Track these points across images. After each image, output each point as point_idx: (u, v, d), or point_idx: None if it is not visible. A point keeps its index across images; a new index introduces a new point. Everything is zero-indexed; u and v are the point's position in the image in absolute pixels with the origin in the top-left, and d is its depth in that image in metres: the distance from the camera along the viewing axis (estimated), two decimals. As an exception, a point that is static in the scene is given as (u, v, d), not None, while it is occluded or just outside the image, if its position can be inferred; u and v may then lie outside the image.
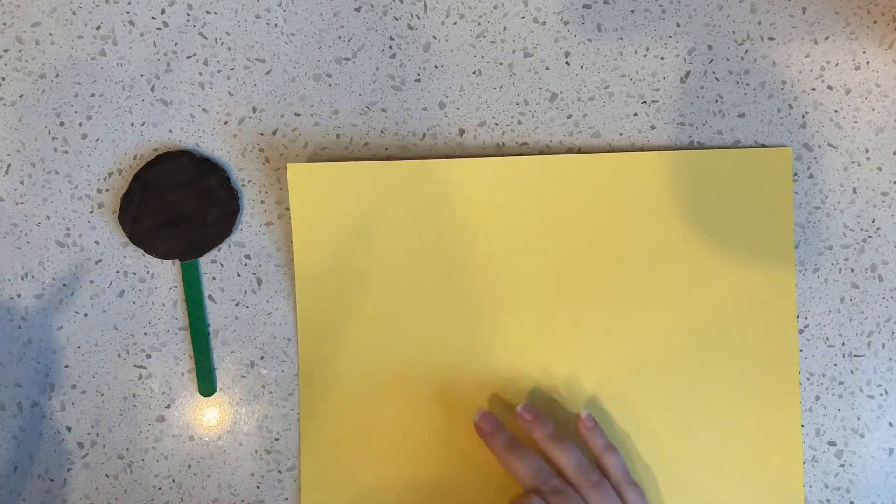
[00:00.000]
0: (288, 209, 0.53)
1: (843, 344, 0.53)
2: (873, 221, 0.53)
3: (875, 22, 0.53)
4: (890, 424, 0.53)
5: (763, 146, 0.53)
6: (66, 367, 0.53)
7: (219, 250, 0.53)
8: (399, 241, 0.52)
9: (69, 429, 0.53)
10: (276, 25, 0.53)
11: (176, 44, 0.53)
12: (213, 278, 0.53)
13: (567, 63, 0.53)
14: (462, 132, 0.53)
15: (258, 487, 0.52)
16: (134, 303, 0.53)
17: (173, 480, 0.53)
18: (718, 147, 0.52)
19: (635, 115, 0.53)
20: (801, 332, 0.53)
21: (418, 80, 0.53)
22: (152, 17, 0.53)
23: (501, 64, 0.53)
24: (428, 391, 0.52)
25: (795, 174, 0.53)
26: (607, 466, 0.48)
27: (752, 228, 0.52)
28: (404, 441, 0.52)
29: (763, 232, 0.52)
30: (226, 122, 0.53)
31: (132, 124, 0.53)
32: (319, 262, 0.52)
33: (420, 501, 0.52)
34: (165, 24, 0.53)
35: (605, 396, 0.52)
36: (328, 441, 0.52)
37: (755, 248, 0.52)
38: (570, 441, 0.49)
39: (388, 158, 0.53)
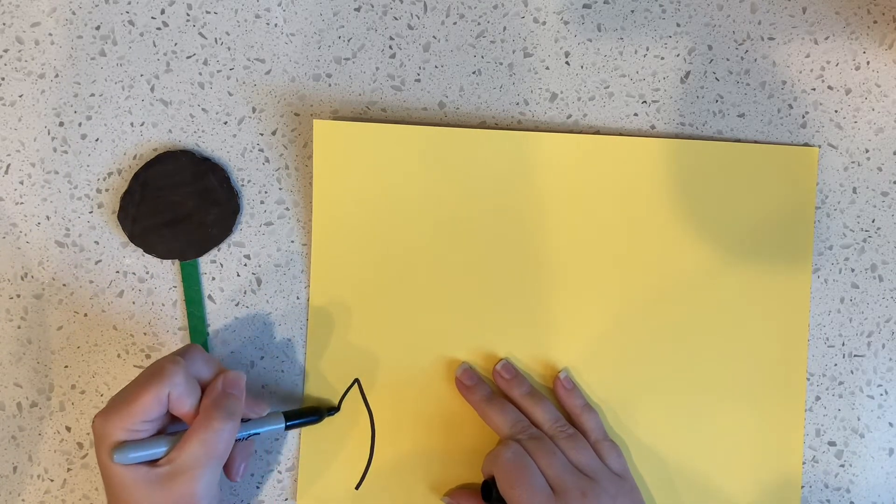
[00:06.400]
0: (289, 209, 0.53)
1: (843, 344, 0.53)
2: (873, 221, 0.53)
3: (875, 22, 0.53)
4: (890, 424, 0.53)
5: (791, 144, 0.53)
6: (66, 367, 0.53)
7: (218, 250, 0.53)
8: (416, 206, 0.52)
9: (69, 429, 0.53)
10: (276, 25, 0.53)
11: (176, 44, 0.53)
12: (213, 278, 0.53)
13: (567, 63, 0.53)
14: (462, 132, 0.53)
15: (258, 487, 0.52)
16: (133, 303, 0.53)
17: (173, 480, 0.53)
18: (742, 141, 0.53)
19: (635, 115, 0.53)
20: (801, 332, 0.53)
21: (418, 80, 0.53)
22: (152, 17, 0.53)
23: (501, 64, 0.53)
24: (432, 383, 0.52)
25: (795, 174, 0.53)
26: (585, 425, 0.50)
27: (772, 226, 0.52)
28: (405, 445, 0.52)
29: (783, 230, 0.52)
30: (226, 122, 0.53)
31: (132, 124, 0.53)
32: (337, 223, 0.51)
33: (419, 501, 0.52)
34: (165, 24, 0.53)
35: (606, 388, 0.52)
36: (328, 441, 0.52)
37: (774, 247, 0.52)
38: (546, 398, 0.51)
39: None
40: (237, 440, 0.47)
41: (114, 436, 0.43)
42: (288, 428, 0.49)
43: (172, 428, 0.46)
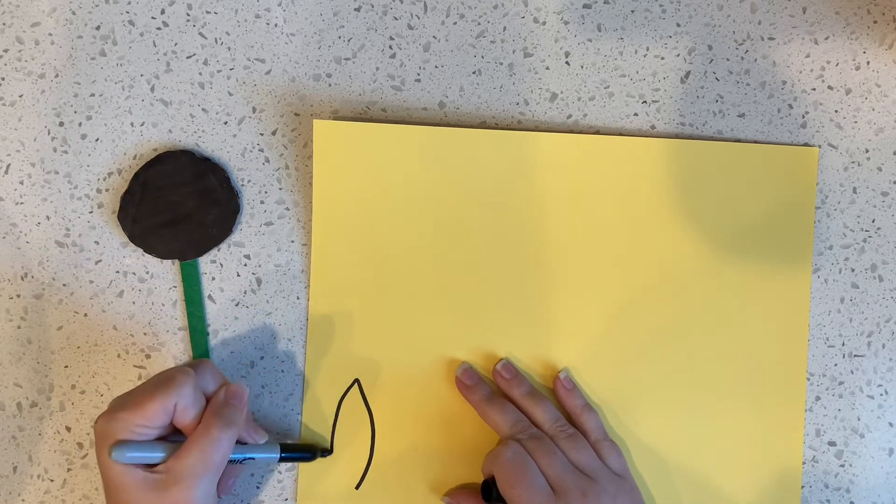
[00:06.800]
0: (289, 209, 0.53)
1: (843, 344, 0.53)
2: (873, 221, 0.53)
3: (875, 22, 0.53)
4: (890, 424, 0.53)
5: (791, 144, 0.53)
6: (66, 367, 0.53)
7: (218, 250, 0.53)
8: (416, 206, 0.51)
9: (69, 429, 0.53)
10: (276, 25, 0.53)
11: (176, 44, 0.53)
12: (213, 278, 0.53)
13: (567, 63, 0.53)
14: (462, 132, 0.53)
15: (258, 487, 0.52)
16: (133, 303, 0.53)
17: (173, 480, 0.53)
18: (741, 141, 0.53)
19: (635, 115, 0.53)
20: (801, 332, 0.53)
21: (418, 80, 0.53)
22: (152, 17, 0.53)
23: (501, 64, 0.53)
24: (432, 383, 0.52)
25: (795, 174, 0.53)
26: (585, 425, 0.50)
27: (772, 226, 0.52)
28: (405, 445, 0.52)
29: (783, 230, 0.52)
30: (226, 122, 0.53)
31: (132, 124, 0.53)
32: (337, 223, 0.51)
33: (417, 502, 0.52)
34: (165, 24, 0.53)
35: (606, 388, 0.52)
36: (327, 441, 0.52)
37: (774, 247, 0.52)
38: (547, 398, 0.51)
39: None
40: (231, 461, 0.47)
41: (116, 436, 0.44)
42: (282, 460, 0.49)
43: (172, 438, 0.46)
